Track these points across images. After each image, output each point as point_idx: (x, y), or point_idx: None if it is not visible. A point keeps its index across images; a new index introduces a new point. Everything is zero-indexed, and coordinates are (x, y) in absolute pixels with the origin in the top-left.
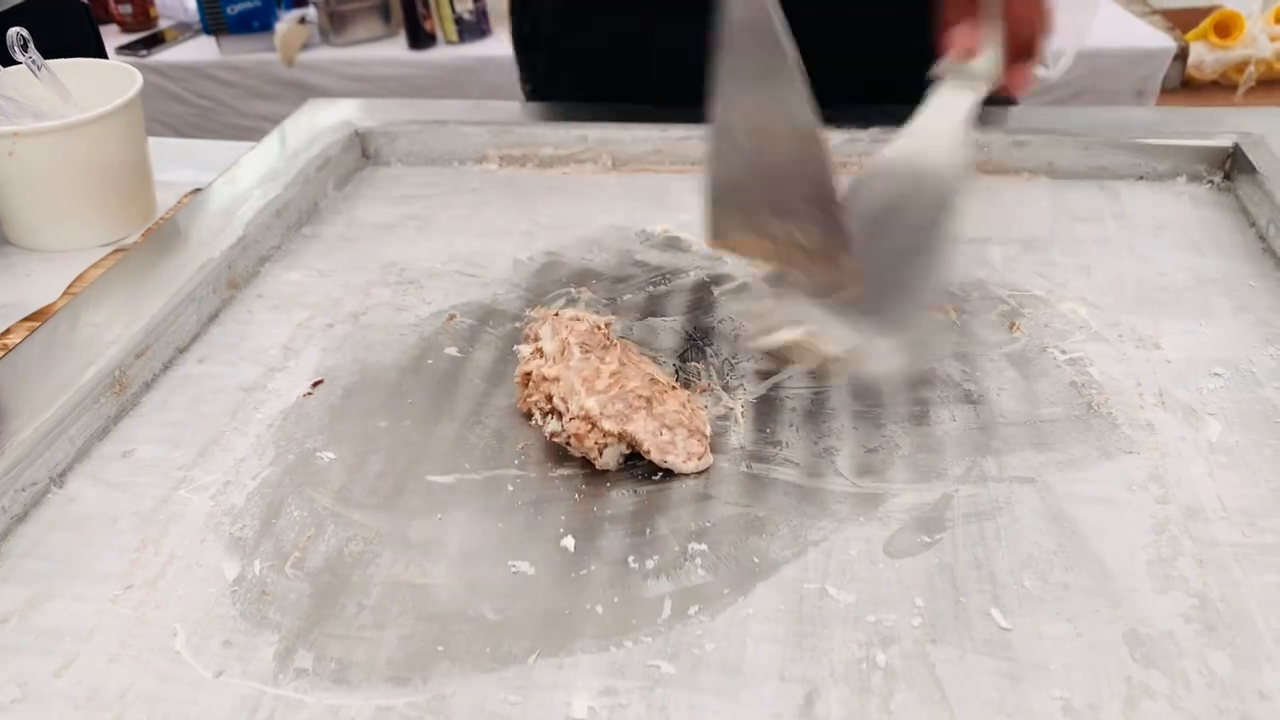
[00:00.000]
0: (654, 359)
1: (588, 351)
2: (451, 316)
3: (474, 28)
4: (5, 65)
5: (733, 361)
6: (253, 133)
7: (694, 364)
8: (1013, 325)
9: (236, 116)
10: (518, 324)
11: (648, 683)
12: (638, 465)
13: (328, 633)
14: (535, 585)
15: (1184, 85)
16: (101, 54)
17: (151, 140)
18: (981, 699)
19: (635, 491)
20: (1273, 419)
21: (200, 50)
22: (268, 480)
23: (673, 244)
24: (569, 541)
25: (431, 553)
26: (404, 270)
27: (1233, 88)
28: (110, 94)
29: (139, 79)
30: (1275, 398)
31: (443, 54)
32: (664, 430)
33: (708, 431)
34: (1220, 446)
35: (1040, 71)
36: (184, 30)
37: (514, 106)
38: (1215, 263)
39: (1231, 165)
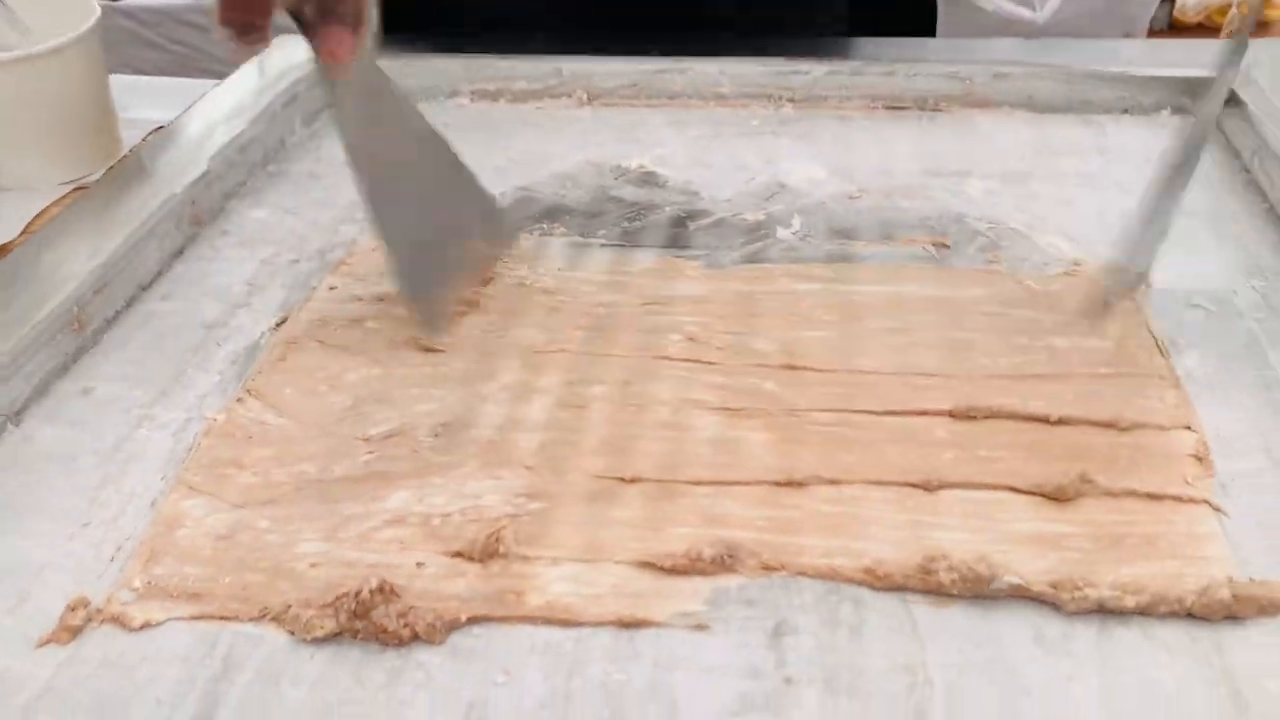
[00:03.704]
0: None
1: None
2: None
3: None
4: None
5: None
6: None
7: None
8: (991, 258)
9: (213, 63)
10: None
11: None
12: None
13: None
14: None
15: (1171, 28)
16: None
17: (119, 79)
18: (953, 629)
19: None
20: (1253, 349)
21: None
22: None
23: (648, 179)
24: None
25: None
26: None
27: (1218, 30)
28: (68, 27)
29: (97, 9)
30: (1256, 329)
31: None
32: None
33: None
34: (1196, 376)
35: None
36: None
37: (487, 40)
38: (1200, 196)
39: None
